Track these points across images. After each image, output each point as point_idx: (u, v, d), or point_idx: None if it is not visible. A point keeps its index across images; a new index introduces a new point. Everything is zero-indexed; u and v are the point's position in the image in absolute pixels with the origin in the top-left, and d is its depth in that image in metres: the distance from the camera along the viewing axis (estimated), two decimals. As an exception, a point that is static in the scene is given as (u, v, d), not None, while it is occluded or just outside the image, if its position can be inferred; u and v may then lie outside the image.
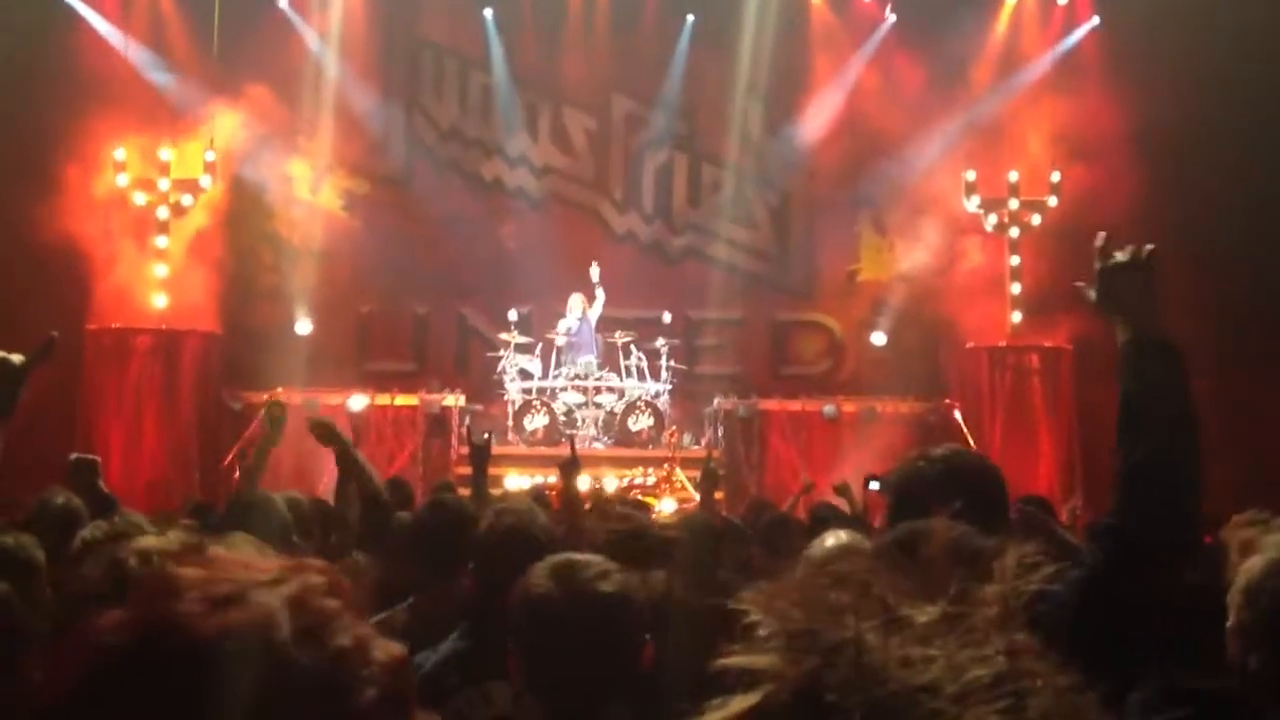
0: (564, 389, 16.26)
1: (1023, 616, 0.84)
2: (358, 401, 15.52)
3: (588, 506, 5.68)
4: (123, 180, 16.09)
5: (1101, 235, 2.71)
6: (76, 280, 15.42)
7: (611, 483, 14.15)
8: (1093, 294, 2.69)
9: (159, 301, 16.14)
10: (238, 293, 16.54)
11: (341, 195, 17.88)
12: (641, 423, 15.88)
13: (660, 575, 3.08)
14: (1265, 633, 2.48)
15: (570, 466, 5.95)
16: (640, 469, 14.77)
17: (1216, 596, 2.93)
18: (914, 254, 16.93)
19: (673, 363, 16.42)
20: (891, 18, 17.65)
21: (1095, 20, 17.17)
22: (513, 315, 16.61)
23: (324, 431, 5.57)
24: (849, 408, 16.23)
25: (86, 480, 4.89)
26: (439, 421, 16.03)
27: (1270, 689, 2.44)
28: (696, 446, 15.97)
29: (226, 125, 16.43)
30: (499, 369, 16.35)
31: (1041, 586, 0.86)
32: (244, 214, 16.89)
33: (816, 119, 17.88)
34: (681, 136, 18.72)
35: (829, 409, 16.17)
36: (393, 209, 17.85)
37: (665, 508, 12.10)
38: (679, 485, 14.42)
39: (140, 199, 16.23)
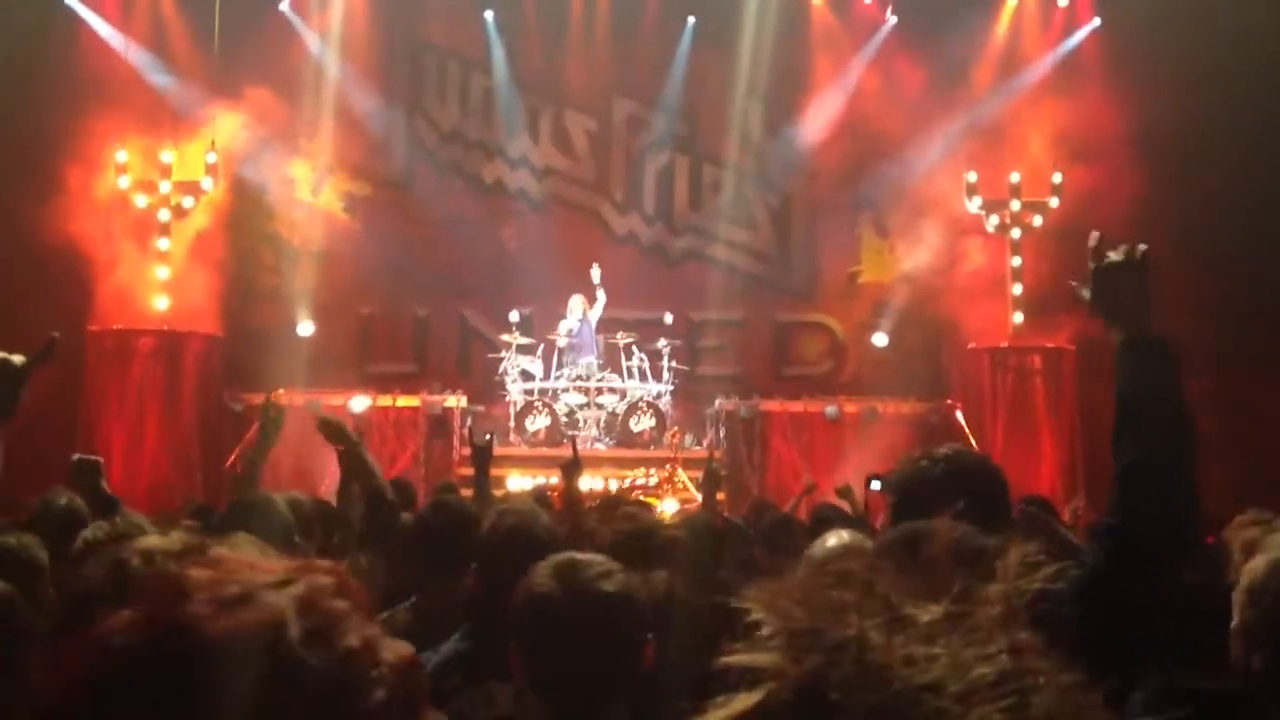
0: (566, 390, 16.27)
1: (1026, 615, 0.84)
2: (359, 403, 15.52)
3: (590, 506, 5.69)
4: (124, 182, 16.10)
5: (1095, 235, 2.70)
6: (78, 282, 15.43)
7: (613, 484, 14.15)
8: (1087, 294, 2.69)
9: (160, 303, 16.14)
10: (239, 294, 16.56)
11: (342, 197, 17.88)
12: (643, 424, 15.88)
13: (662, 575, 3.08)
14: (1269, 633, 2.48)
15: (572, 467, 5.96)
16: (642, 470, 14.76)
17: (1218, 596, 2.93)
18: (915, 255, 16.94)
19: (674, 364, 16.42)
20: (892, 19, 17.65)
21: (1096, 21, 17.17)
22: (514, 316, 16.62)
23: (332, 430, 5.57)
24: (851, 408, 16.23)
25: (89, 481, 4.89)
26: (441, 423, 16.04)
27: (1274, 689, 2.44)
28: (698, 447, 15.97)
29: (227, 127, 16.44)
30: (500, 370, 16.36)
31: (1044, 585, 0.86)
32: (245, 216, 16.91)
33: (817, 120, 17.88)
34: (682, 138, 18.72)
35: (831, 410, 16.17)
36: (394, 211, 17.86)
37: (667, 508, 12.08)
38: (681, 486, 14.41)
39: (141, 201, 16.24)
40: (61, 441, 11.56)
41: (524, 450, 15.48)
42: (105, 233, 15.79)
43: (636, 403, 16.04)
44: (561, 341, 16.38)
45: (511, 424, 15.84)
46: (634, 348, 16.40)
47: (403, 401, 16.05)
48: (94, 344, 15.75)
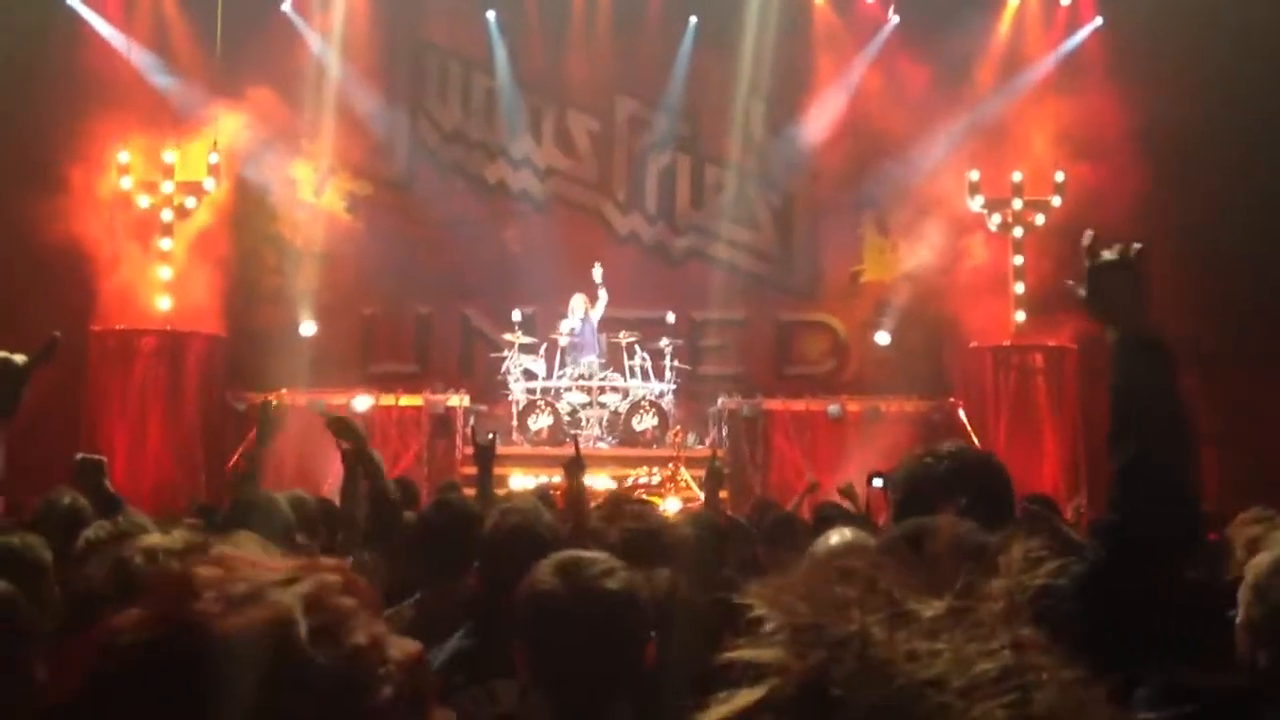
0: (568, 389, 16.27)
1: (1028, 611, 0.84)
2: (362, 402, 15.53)
3: (593, 505, 5.68)
4: (126, 183, 16.12)
5: (1089, 234, 2.71)
6: (80, 282, 15.45)
7: (614, 483, 14.15)
8: (1082, 293, 2.69)
9: (163, 303, 16.15)
10: (242, 295, 16.57)
11: (345, 197, 17.89)
12: (646, 422, 15.88)
13: (665, 573, 3.08)
14: (1274, 629, 2.48)
15: (575, 466, 5.95)
16: (645, 469, 14.76)
17: (1221, 593, 2.93)
18: (918, 254, 16.94)
19: (677, 363, 16.43)
20: (894, 18, 17.64)
21: (1098, 20, 17.16)
22: (516, 316, 16.64)
23: (341, 427, 5.57)
24: (853, 407, 16.23)
25: (92, 480, 4.89)
26: (443, 422, 16.05)
27: (1279, 684, 2.44)
28: (701, 446, 15.99)
29: (229, 127, 16.46)
30: (503, 369, 16.37)
31: (1047, 581, 0.86)
32: (247, 216, 16.92)
33: (819, 120, 17.88)
34: (684, 138, 18.72)
35: (833, 409, 16.18)
36: (396, 211, 17.87)
37: (670, 507, 12.08)
38: (683, 485, 14.41)
39: (144, 201, 16.26)
40: (64, 441, 11.56)
41: (526, 449, 15.49)
42: (108, 233, 15.81)
43: (639, 402, 16.04)
44: (563, 341, 16.39)
45: (514, 423, 15.85)
46: (636, 347, 16.40)
47: (405, 401, 16.06)
48: (96, 344, 15.76)
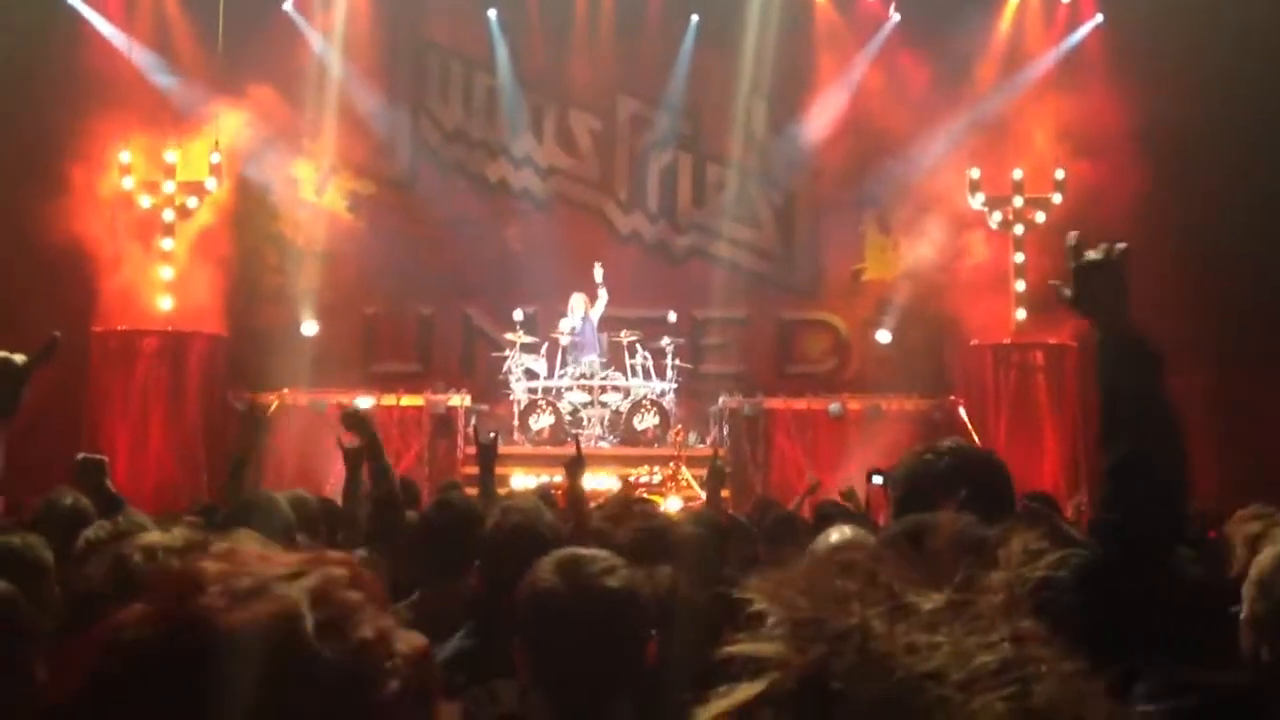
0: (569, 388, 16.28)
1: (1028, 604, 0.84)
2: (364, 403, 15.50)
3: (595, 505, 5.68)
4: (128, 183, 16.12)
5: (1073, 235, 2.73)
6: (82, 282, 15.45)
7: (616, 482, 14.15)
8: (1068, 293, 2.71)
9: (164, 303, 16.15)
10: (243, 294, 16.57)
11: (346, 197, 17.90)
12: (647, 421, 15.89)
13: (666, 571, 3.08)
14: (1278, 624, 2.48)
15: (576, 465, 5.96)
16: (646, 468, 14.76)
17: (1220, 590, 2.93)
18: (918, 252, 16.94)
19: (678, 361, 16.43)
20: (895, 16, 17.64)
21: (1099, 18, 17.16)
22: (518, 315, 16.64)
23: (356, 421, 5.58)
24: (854, 406, 16.25)
25: (93, 480, 4.89)
26: (445, 422, 16.05)
27: (1283, 680, 2.44)
28: (702, 445, 16.00)
29: (231, 125, 16.46)
30: (504, 369, 16.37)
31: (1047, 573, 0.86)
32: (249, 215, 16.93)
33: (821, 118, 17.89)
34: (686, 136, 18.72)
35: (834, 407, 16.19)
36: (398, 211, 17.87)
37: (671, 506, 12.08)
38: (684, 484, 14.41)
39: (145, 201, 16.26)
40: (66, 442, 11.55)
41: (528, 449, 15.49)
42: (109, 233, 15.81)
43: (640, 401, 16.05)
44: (564, 340, 16.39)
45: (515, 422, 15.86)
46: (638, 346, 16.41)
47: (407, 401, 16.07)
48: (98, 344, 15.77)
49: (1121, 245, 2.68)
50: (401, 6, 17.98)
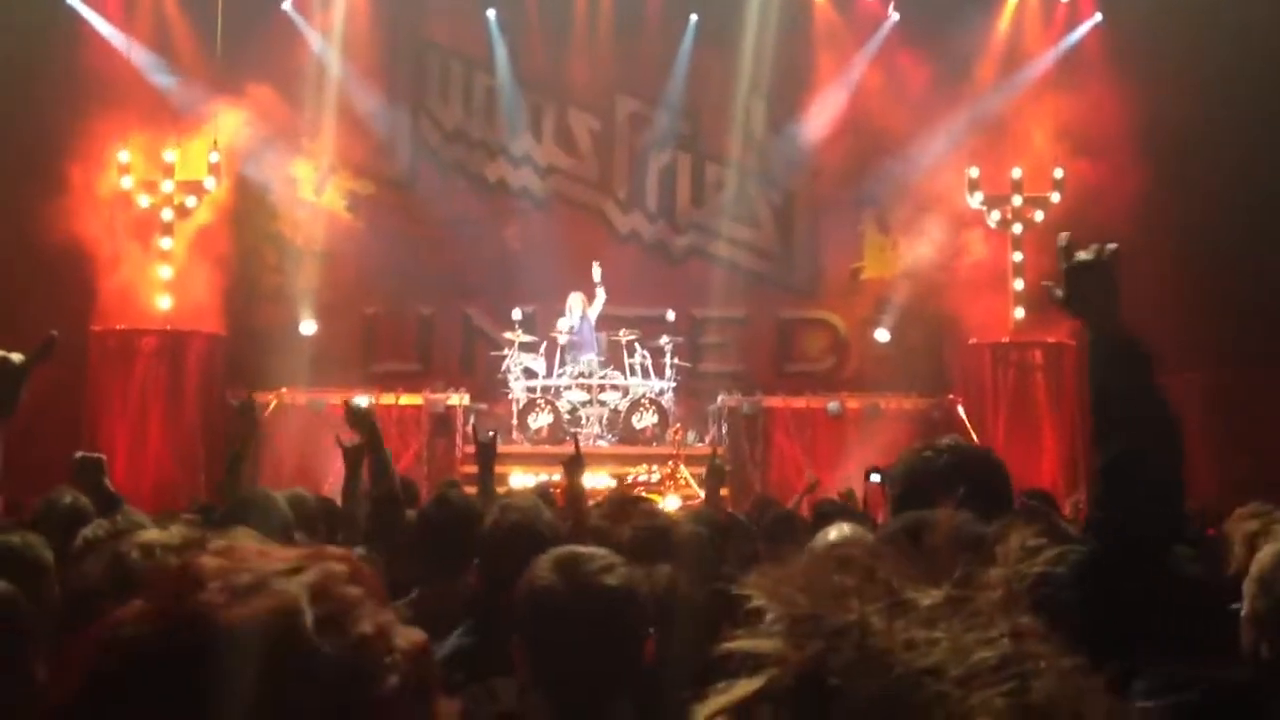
0: (568, 387, 16.28)
1: (1026, 600, 0.84)
2: (363, 402, 15.49)
3: (594, 503, 5.68)
4: (127, 182, 16.11)
5: (1064, 236, 2.75)
6: (81, 281, 15.45)
7: (614, 481, 14.15)
8: (1059, 293, 2.72)
9: (163, 303, 16.15)
10: (242, 294, 16.56)
11: (345, 196, 17.90)
12: (646, 420, 15.89)
13: (665, 569, 3.08)
14: (1278, 622, 2.48)
15: (574, 464, 5.96)
16: (645, 466, 14.77)
17: (1219, 588, 2.93)
18: (917, 251, 16.94)
19: (677, 360, 16.44)
20: (894, 16, 17.65)
21: (1098, 17, 17.16)
22: (517, 314, 16.64)
23: (360, 418, 5.59)
24: (853, 404, 16.25)
25: (92, 479, 4.89)
26: (444, 421, 16.05)
27: (1283, 677, 2.45)
28: (701, 444, 16.01)
29: (230, 124, 16.45)
30: (503, 368, 16.37)
31: (1045, 569, 0.86)
32: (248, 215, 16.92)
33: (820, 118, 17.89)
34: (685, 136, 18.73)
35: (833, 406, 16.19)
36: (397, 210, 17.88)
37: (670, 505, 12.09)
38: (683, 482, 14.41)
39: (144, 201, 16.25)
40: (65, 441, 11.52)
41: (527, 448, 15.49)
42: (108, 232, 15.80)
43: (639, 400, 16.05)
44: (562, 339, 16.39)
45: (514, 421, 15.86)
46: (636, 345, 16.41)
47: (406, 400, 16.06)
48: (97, 343, 15.76)
49: (1112, 246, 2.69)
50: (401, 6, 17.98)
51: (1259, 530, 4.26)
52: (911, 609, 0.82)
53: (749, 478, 15.59)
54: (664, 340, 16.31)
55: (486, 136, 18.59)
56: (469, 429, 13.73)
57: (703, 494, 11.28)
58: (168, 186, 16.32)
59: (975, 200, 16.90)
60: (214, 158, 16.38)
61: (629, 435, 15.84)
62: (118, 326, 15.91)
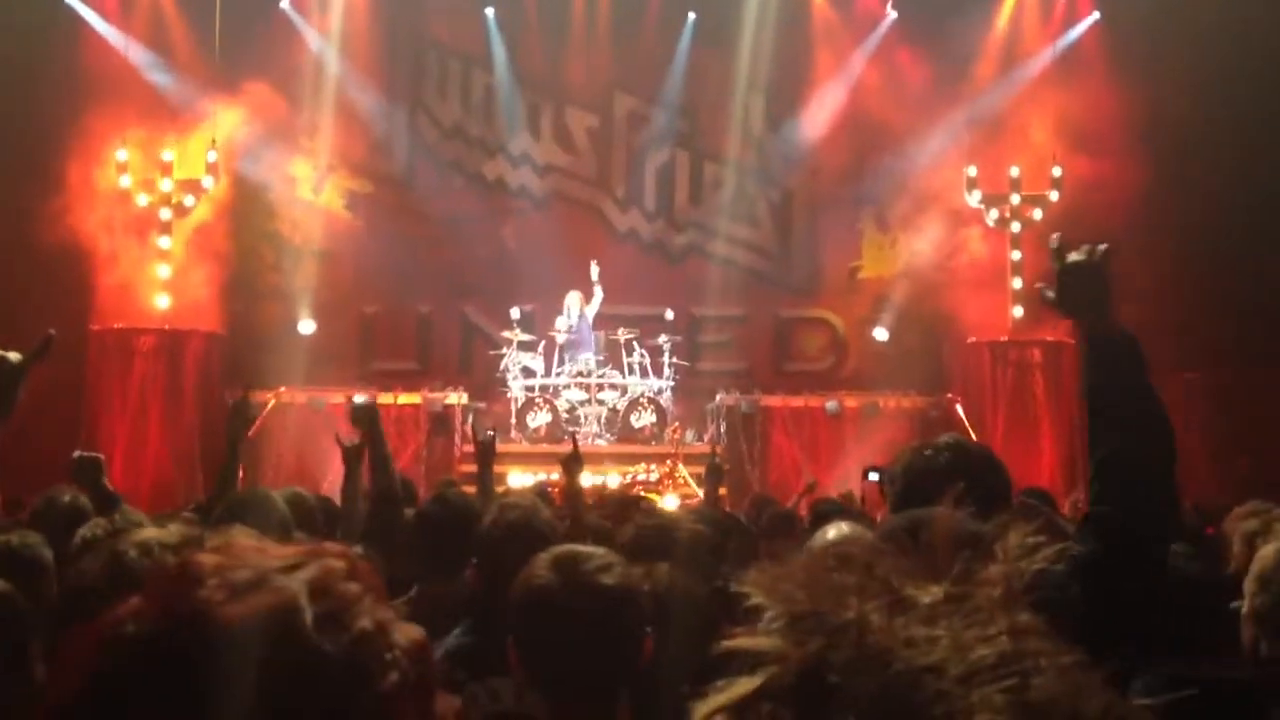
0: (567, 386, 16.27)
1: (1026, 597, 0.84)
2: (359, 400, 15.52)
3: (594, 503, 5.68)
4: (125, 181, 16.11)
5: (1055, 237, 2.76)
6: (79, 280, 15.46)
7: (614, 480, 14.16)
8: (1051, 294, 2.73)
9: (162, 301, 16.15)
10: (240, 293, 16.58)
11: (344, 195, 17.91)
12: (644, 419, 15.90)
13: (664, 567, 3.08)
14: (1278, 619, 2.49)
15: (573, 463, 5.95)
16: (643, 465, 14.78)
17: (1217, 586, 2.93)
18: (916, 249, 16.96)
19: (675, 359, 16.44)
20: (893, 14, 17.66)
21: (1096, 15, 17.18)
22: (515, 313, 16.63)
23: (364, 413, 5.59)
24: (851, 403, 16.26)
25: (90, 478, 4.89)
26: (442, 420, 16.04)
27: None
28: (699, 443, 16.01)
29: (228, 122, 16.45)
30: (501, 367, 16.36)
31: (1045, 566, 0.86)
32: (246, 213, 16.92)
33: (818, 116, 17.91)
34: (683, 134, 18.75)
35: (831, 405, 16.19)
36: (395, 209, 17.88)
37: (668, 504, 12.09)
38: (682, 481, 14.42)
39: (142, 200, 16.25)
40: (63, 440, 11.55)
41: (525, 447, 15.48)
42: (106, 231, 15.80)
43: (637, 398, 16.05)
44: (561, 338, 16.39)
45: (513, 420, 15.85)
46: (635, 344, 16.40)
47: (404, 399, 16.05)
48: (95, 342, 15.77)
49: (1103, 246, 2.70)
50: (399, 4, 18.00)
51: (1258, 529, 4.27)
52: (911, 606, 0.82)
53: (747, 476, 15.59)
54: (662, 339, 16.31)
55: (485, 135, 18.60)
56: (467, 428, 13.74)
57: (701, 493, 11.29)
58: (166, 185, 16.33)
59: (974, 199, 16.91)
60: (212, 156, 16.38)
61: (627, 434, 15.85)
62: (116, 325, 15.91)
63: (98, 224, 15.64)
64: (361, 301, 17.60)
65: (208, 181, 16.40)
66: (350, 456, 5.94)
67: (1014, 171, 16.82)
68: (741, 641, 0.84)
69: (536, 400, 15.97)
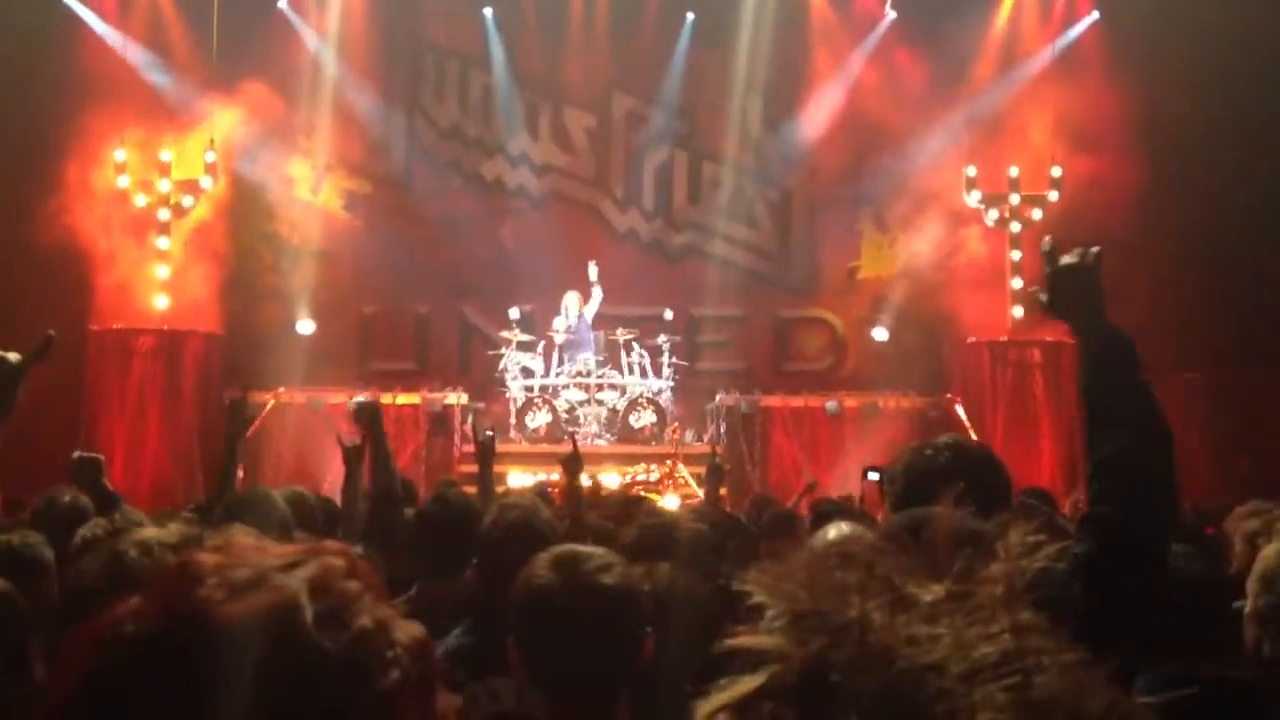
0: (566, 386, 16.27)
1: (1028, 595, 0.84)
2: (364, 399, 15.50)
3: (594, 502, 5.68)
4: (124, 182, 16.11)
5: (1047, 239, 2.78)
6: (78, 281, 15.47)
7: (614, 480, 14.15)
8: (1044, 297, 2.74)
9: (160, 302, 16.15)
10: (239, 293, 16.58)
11: (342, 195, 17.91)
12: (644, 419, 15.89)
13: (665, 567, 3.07)
14: (1281, 619, 2.49)
15: (573, 463, 5.95)
16: (643, 465, 14.77)
17: (1218, 586, 2.93)
18: (915, 249, 16.96)
19: (674, 359, 16.43)
20: (891, 14, 17.66)
21: (1095, 14, 17.18)
22: (514, 313, 16.62)
23: (369, 412, 5.59)
24: (851, 403, 16.26)
25: (90, 478, 4.89)
26: (441, 420, 16.04)
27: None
28: (699, 443, 16.00)
29: (225, 122, 16.45)
30: (500, 367, 16.36)
31: (1046, 564, 0.86)
32: (244, 213, 16.92)
33: (817, 116, 17.91)
34: (682, 134, 18.74)
35: (831, 405, 16.19)
36: (393, 209, 17.88)
37: (668, 504, 12.09)
38: (682, 481, 14.42)
39: (141, 200, 16.25)
40: (62, 441, 11.57)
41: (525, 447, 15.47)
42: (105, 231, 15.81)
43: (637, 399, 16.05)
44: (560, 338, 16.38)
45: (512, 420, 15.84)
46: (634, 344, 16.39)
47: (403, 399, 16.03)
48: (95, 343, 15.78)
49: (1095, 249, 2.71)
50: (397, 5, 18.00)
51: (1260, 529, 4.27)
52: (913, 605, 0.82)
53: (747, 477, 15.59)
54: (661, 339, 16.31)
55: (483, 135, 18.60)
56: (467, 428, 13.73)
57: (701, 493, 11.28)
58: (164, 185, 16.33)
59: (973, 199, 16.91)
60: (210, 157, 16.38)
61: (627, 434, 15.84)
62: (115, 326, 15.92)
63: (96, 224, 15.65)
64: (360, 302, 17.60)
65: (206, 182, 16.40)
66: (351, 456, 5.94)
67: (1013, 171, 16.82)
68: (743, 640, 0.84)
69: (536, 400, 15.97)
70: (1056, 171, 16.56)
